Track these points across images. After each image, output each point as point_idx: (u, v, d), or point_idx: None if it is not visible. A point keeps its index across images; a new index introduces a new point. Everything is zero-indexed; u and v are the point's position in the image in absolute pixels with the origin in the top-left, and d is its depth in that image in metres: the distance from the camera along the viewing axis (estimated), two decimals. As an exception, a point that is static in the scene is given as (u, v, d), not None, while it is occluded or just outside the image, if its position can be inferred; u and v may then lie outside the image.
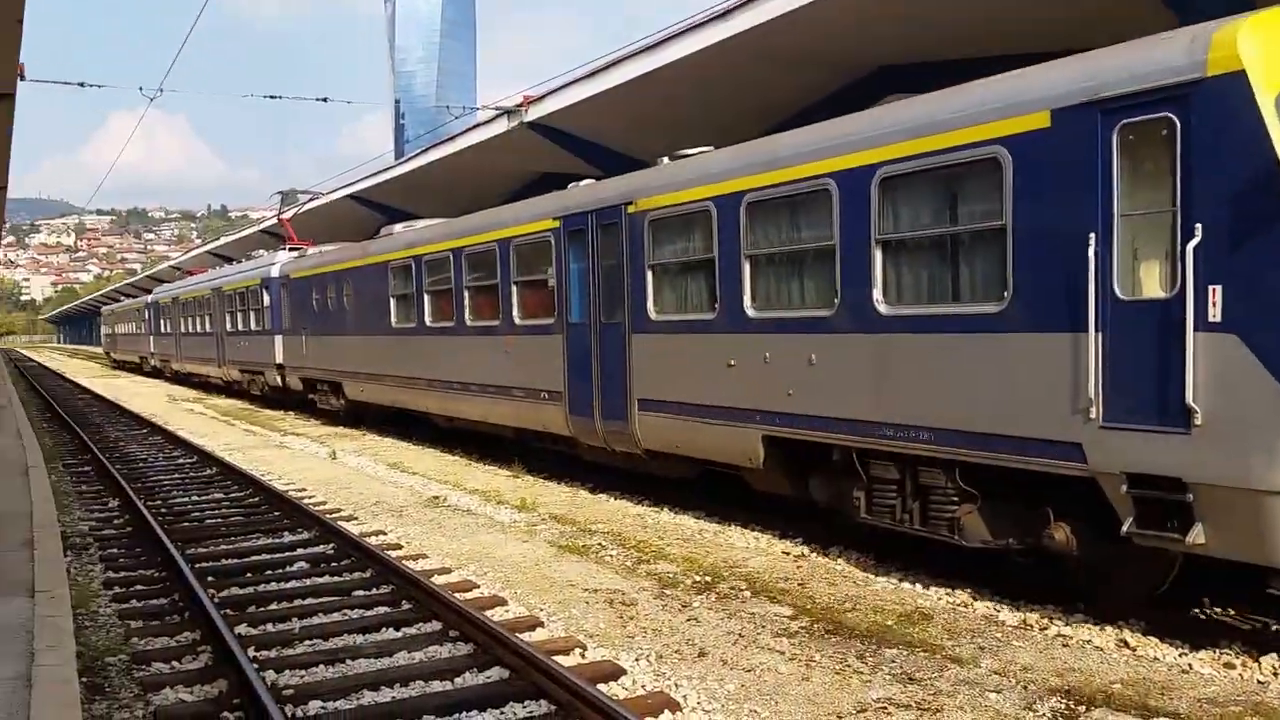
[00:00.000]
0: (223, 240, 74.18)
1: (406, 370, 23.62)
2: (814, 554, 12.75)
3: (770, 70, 22.02)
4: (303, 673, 8.97)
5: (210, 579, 12.10)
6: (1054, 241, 9.37)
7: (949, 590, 11.05)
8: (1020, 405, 9.74)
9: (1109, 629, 9.66)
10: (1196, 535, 8.46)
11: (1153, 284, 8.79)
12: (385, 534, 14.47)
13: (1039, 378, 9.55)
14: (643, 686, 8.48)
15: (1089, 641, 9.35)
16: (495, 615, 10.31)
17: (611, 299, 15.90)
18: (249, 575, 12.47)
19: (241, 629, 10.13)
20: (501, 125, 29.14)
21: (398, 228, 26.00)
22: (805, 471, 12.89)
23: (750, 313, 13.15)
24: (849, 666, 8.79)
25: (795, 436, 12.55)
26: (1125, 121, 8.85)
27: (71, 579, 11.37)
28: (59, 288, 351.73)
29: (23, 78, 19.66)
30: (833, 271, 11.82)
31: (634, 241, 15.26)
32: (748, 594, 11.00)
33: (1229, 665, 8.76)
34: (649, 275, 15.06)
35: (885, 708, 7.90)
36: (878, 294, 11.27)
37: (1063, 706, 7.86)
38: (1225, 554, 8.52)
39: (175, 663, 9.35)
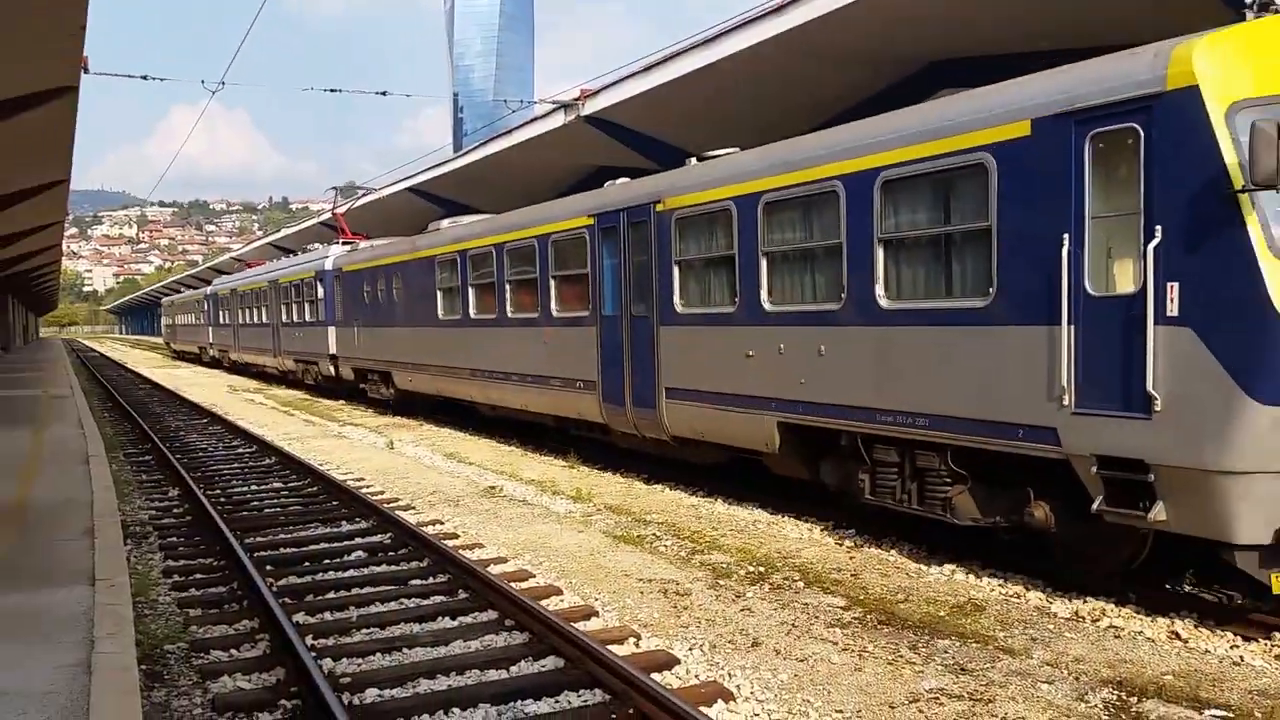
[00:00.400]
0: (283, 232, 74.75)
1: (452, 360, 24.52)
2: (867, 545, 12.74)
3: (823, 65, 21.94)
4: (360, 661, 9.06)
5: (268, 568, 12.23)
6: (1033, 241, 10.11)
7: (1001, 582, 11.02)
8: (1003, 393, 10.51)
9: (1160, 620, 9.65)
10: (1158, 513, 9.18)
11: (1119, 281, 9.54)
12: (442, 523, 14.58)
13: (1020, 367, 10.31)
14: (696, 676, 8.51)
15: (1140, 633, 9.32)
16: (550, 605, 10.36)
17: (641, 293, 16.70)
18: (307, 564, 12.59)
19: (299, 617, 10.24)
20: (558, 119, 29.19)
21: (444, 223, 26.67)
22: (817, 456, 13.59)
23: (767, 306, 13.92)
24: (901, 657, 8.79)
25: (807, 423, 13.31)
26: (1096, 131, 9.58)
27: (131, 567, 11.52)
28: (121, 279, 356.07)
29: (86, 70, 20.01)
30: (840, 268, 12.59)
31: (662, 238, 16.05)
32: (801, 584, 11.01)
33: (1282, 658, 8.72)
34: (675, 270, 15.85)
35: (937, 698, 7.89)
36: (880, 289, 12.03)
37: (1114, 698, 7.84)
38: (1184, 530, 9.18)
39: (234, 651, 9.46)
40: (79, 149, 28.34)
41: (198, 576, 12.13)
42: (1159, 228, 9.02)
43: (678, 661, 8.78)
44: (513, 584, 10.82)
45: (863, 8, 18.86)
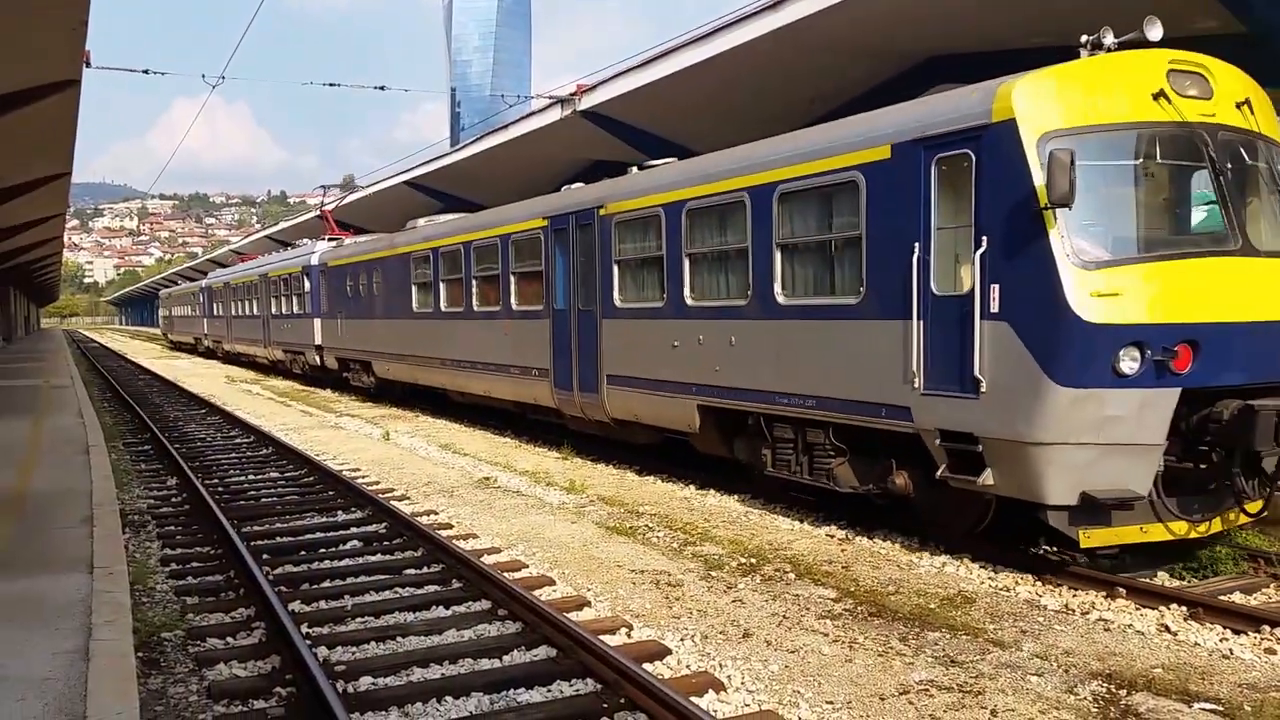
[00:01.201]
0: (280, 226, 74.76)
1: (425, 350, 26.35)
2: (858, 537, 12.82)
3: (820, 59, 21.90)
4: (354, 649, 9.12)
5: (265, 556, 12.30)
6: (893, 247, 11.76)
7: (991, 574, 11.12)
8: (871, 377, 12.15)
9: (1150, 613, 9.73)
10: (986, 478, 10.78)
11: (956, 282, 11.10)
12: (436, 514, 14.66)
13: (883, 355, 11.93)
14: (688, 666, 8.57)
15: (1130, 626, 9.39)
16: (543, 595, 10.44)
17: (587, 289, 18.42)
18: (303, 553, 12.64)
19: (295, 606, 10.30)
20: (555, 114, 29.14)
21: (420, 222, 28.28)
22: (731, 435, 15.27)
23: (689, 302, 15.61)
24: (892, 649, 8.85)
25: (721, 405, 15.00)
26: (940, 155, 11.21)
27: (129, 555, 11.57)
28: (121, 270, 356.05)
29: (88, 65, 20.07)
30: (747, 268, 14.24)
31: (604, 240, 17.79)
32: (792, 576, 11.08)
33: (1270, 650, 8.78)
34: (615, 269, 17.56)
35: (927, 690, 7.95)
36: (778, 287, 13.72)
37: (1104, 690, 7.89)
38: (1007, 492, 10.78)
39: (230, 639, 9.52)
40: (81, 142, 28.38)
41: (195, 565, 12.19)
42: (985, 238, 10.60)
43: (669, 652, 8.85)
44: (506, 574, 10.89)
45: (859, 3, 18.87)
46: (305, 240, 44.47)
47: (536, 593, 10.32)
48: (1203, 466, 10.59)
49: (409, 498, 15.87)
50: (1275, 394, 10.45)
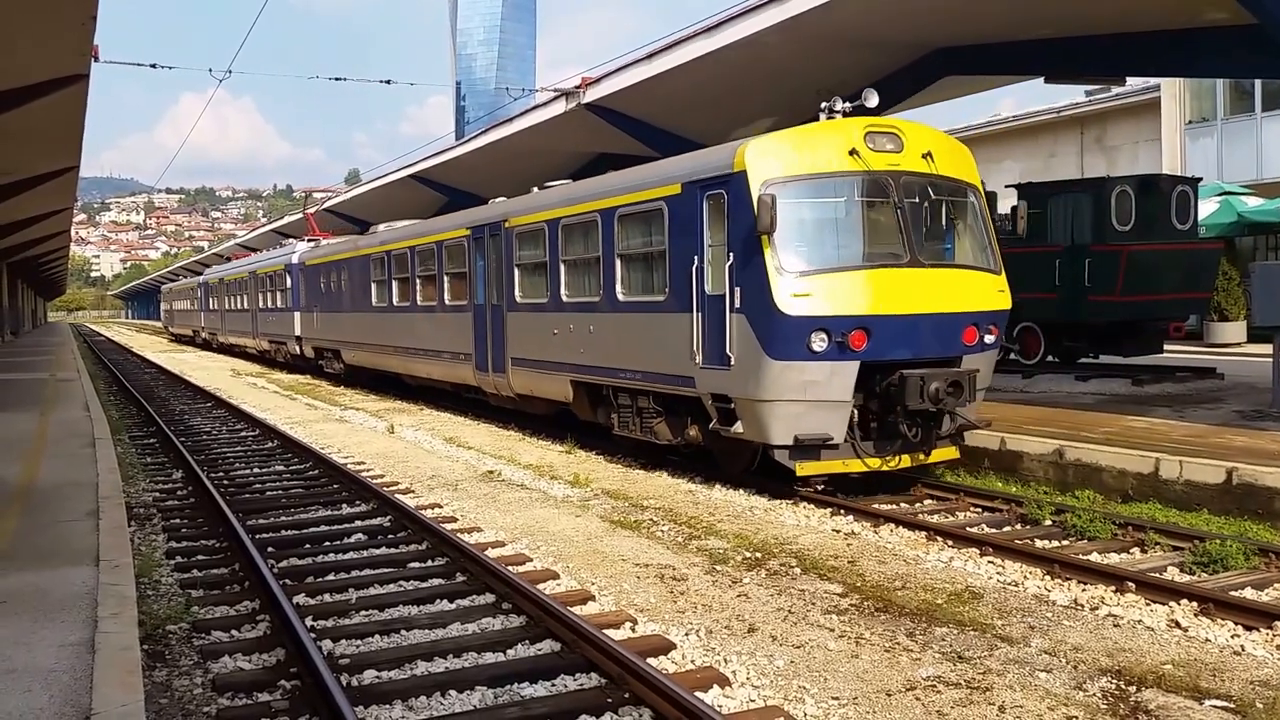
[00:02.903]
0: (286, 219, 74.83)
1: (382, 340, 30.30)
2: (864, 532, 12.79)
3: (827, 52, 21.80)
4: (359, 642, 9.10)
5: (270, 549, 12.28)
6: (683, 259, 15.36)
7: (999, 569, 11.07)
8: (672, 356, 15.68)
9: (1160, 609, 9.66)
10: (738, 427, 14.45)
11: (718, 286, 14.59)
12: (441, 507, 14.62)
13: (678, 339, 15.45)
14: (692, 661, 8.53)
15: (1140, 621, 9.31)
16: (547, 589, 10.39)
17: (497, 287, 22.20)
18: (308, 546, 12.64)
19: (300, 599, 10.28)
20: (559, 107, 29.01)
21: (381, 227, 32.48)
22: (595, 404, 18.76)
23: (564, 299, 19.30)
24: (898, 644, 8.79)
25: (586, 380, 18.65)
26: (708, 193, 14.88)
27: (135, 548, 11.52)
28: (128, 264, 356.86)
29: (96, 59, 20.14)
30: (599, 272, 17.90)
31: (508, 248, 21.55)
32: (798, 571, 11.04)
33: (1282, 648, 8.72)
34: (516, 272, 21.34)
35: (934, 686, 7.89)
36: (619, 287, 17.36)
37: (1113, 687, 7.83)
38: (751, 437, 14.34)
39: (234, 631, 9.50)
40: (88, 136, 28.44)
41: (200, 558, 12.18)
42: (732, 254, 14.20)
43: (674, 646, 8.80)
44: (510, 567, 10.84)
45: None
46: (291, 239, 46.35)
47: (541, 587, 10.27)
48: (890, 420, 14.12)
49: (413, 491, 15.85)
50: (934, 365, 14.03)
